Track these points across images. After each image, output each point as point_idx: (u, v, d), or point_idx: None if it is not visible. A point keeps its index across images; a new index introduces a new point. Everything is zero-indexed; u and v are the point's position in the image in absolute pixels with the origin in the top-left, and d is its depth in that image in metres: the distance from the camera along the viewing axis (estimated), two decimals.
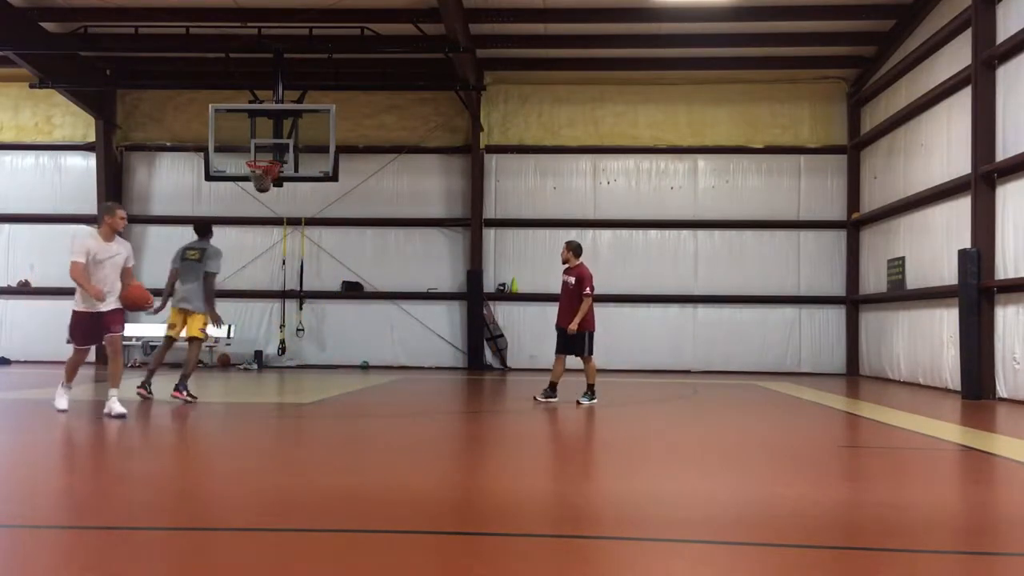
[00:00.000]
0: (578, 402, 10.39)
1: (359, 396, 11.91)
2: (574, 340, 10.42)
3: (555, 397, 10.56)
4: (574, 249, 10.77)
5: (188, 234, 19.27)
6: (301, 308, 19.30)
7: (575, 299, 10.46)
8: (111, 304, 8.60)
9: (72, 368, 8.81)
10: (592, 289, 10.54)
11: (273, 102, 16.01)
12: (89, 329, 8.54)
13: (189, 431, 8.37)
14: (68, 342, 8.88)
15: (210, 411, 10.29)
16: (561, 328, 10.55)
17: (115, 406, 8.37)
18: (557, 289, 18.51)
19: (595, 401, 10.48)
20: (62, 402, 8.72)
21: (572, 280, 10.55)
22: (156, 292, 20.00)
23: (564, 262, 10.72)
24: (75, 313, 8.60)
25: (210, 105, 15.65)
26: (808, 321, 18.82)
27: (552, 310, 18.68)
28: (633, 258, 18.97)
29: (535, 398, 10.73)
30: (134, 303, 8.98)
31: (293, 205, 19.11)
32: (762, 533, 4.15)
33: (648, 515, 4.59)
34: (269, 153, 15.65)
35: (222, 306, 19.01)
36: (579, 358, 10.53)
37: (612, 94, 19.07)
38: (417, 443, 7.44)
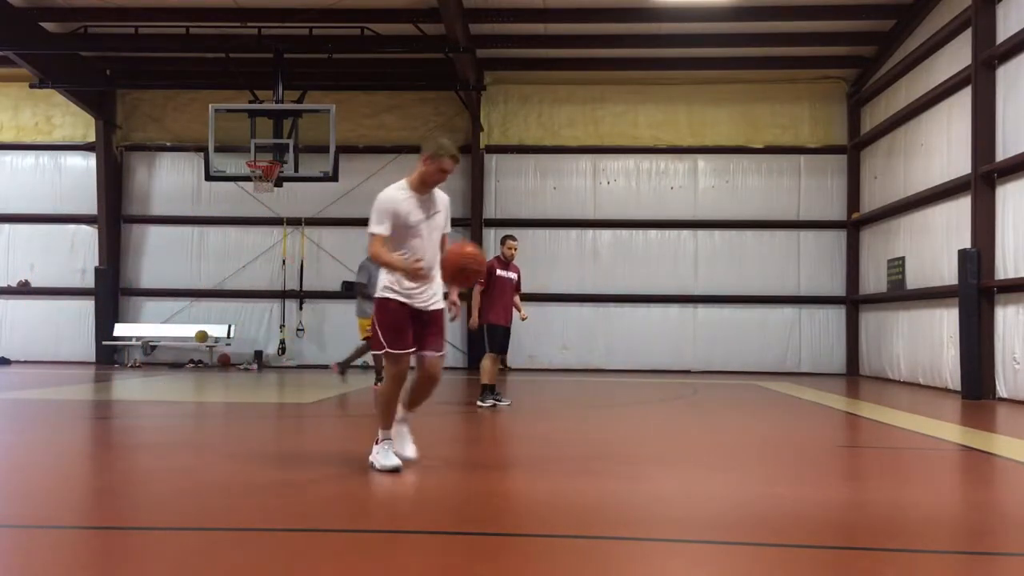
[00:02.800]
0: (495, 404, 9.92)
1: (359, 396, 11.90)
2: (508, 337, 10.09)
3: (505, 400, 10.22)
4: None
5: (187, 234, 19.50)
6: (301, 308, 19.30)
7: (513, 294, 10.11)
8: (435, 298, 5.66)
9: (390, 400, 5.63)
10: None
11: (273, 102, 16.02)
12: (404, 325, 5.52)
13: (189, 431, 8.37)
14: (372, 351, 5.79)
15: (210, 411, 10.29)
16: (507, 327, 10.00)
17: (382, 458, 5.54)
18: (557, 289, 18.85)
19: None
20: (409, 449, 5.78)
21: (515, 276, 10.17)
22: (152, 292, 20.05)
23: (511, 259, 10.13)
24: (383, 303, 5.55)
25: (210, 105, 15.67)
26: (808, 321, 18.82)
27: (552, 311, 19.01)
28: (633, 258, 18.97)
29: (479, 404, 9.96)
30: (462, 267, 5.62)
31: (293, 205, 19.11)
32: (762, 533, 4.15)
33: (648, 515, 4.59)
34: (269, 153, 15.66)
35: (222, 306, 19.32)
36: (501, 356, 10.10)
37: (612, 94, 19.07)
38: (417, 443, 7.43)
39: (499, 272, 9.95)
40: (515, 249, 10.17)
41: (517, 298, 10.26)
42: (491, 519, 4.45)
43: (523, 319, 10.47)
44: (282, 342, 19.11)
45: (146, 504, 4.75)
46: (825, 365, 18.67)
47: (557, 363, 18.87)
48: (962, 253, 12.65)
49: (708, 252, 18.92)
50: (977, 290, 12.39)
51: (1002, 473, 6.26)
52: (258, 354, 18.95)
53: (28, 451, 6.62)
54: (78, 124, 19.53)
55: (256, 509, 4.53)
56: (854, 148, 18.53)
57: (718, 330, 18.83)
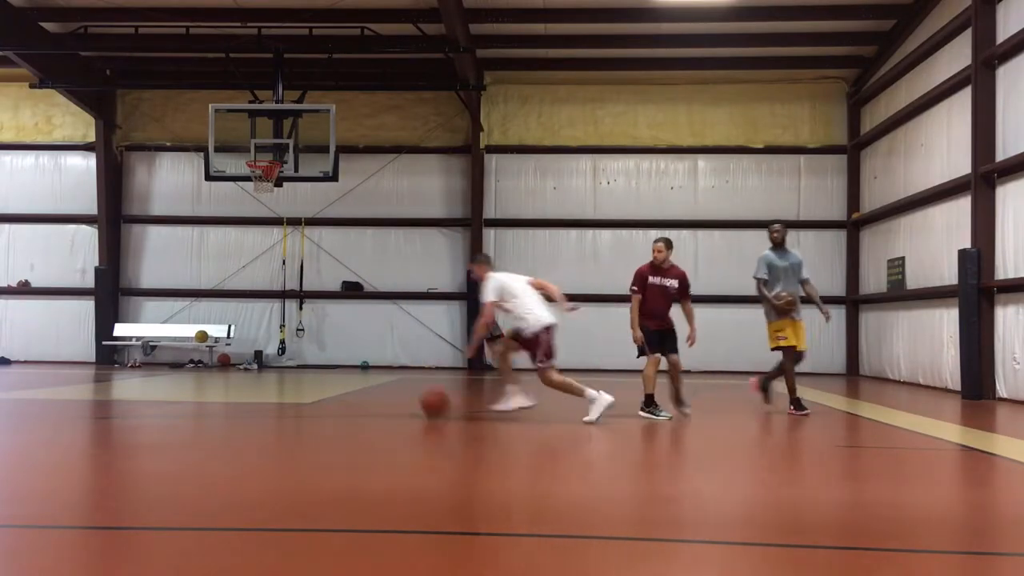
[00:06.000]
0: (653, 415, 9.11)
1: (359, 396, 11.91)
2: (667, 336, 9.27)
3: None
4: (670, 246, 9.46)
5: (187, 234, 19.51)
6: (301, 308, 19.30)
7: (670, 301, 9.31)
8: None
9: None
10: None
11: (273, 102, 16.01)
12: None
13: (189, 432, 8.37)
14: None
15: (210, 411, 10.30)
16: (661, 330, 9.28)
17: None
18: None
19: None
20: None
21: (674, 282, 9.31)
22: (152, 292, 20.01)
23: (661, 263, 9.33)
24: None
25: (210, 105, 15.65)
26: (808, 321, 18.66)
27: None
28: (633, 258, 18.71)
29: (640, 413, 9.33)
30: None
31: (293, 205, 19.11)
32: (762, 533, 4.15)
33: (648, 515, 4.59)
34: (269, 153, 15.66)
35: (222, 306, 19.32)
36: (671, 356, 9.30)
37: (612, 94, 19.07)
38: (417, 443, 7.44)
39: (651, 280, 9.25)
40: (661, 252, 9.27)
41: (688, 306, 9.38)
42: (491, 519, 4.45)
43: (689, 341, 9.23)
44: (282, 342, 19.11)
45: (146, 504, 4.74)
46: (825, 365, 18.63)
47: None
48: (962, 253, 12.65)
49: (708, 252, 18.91)
50: (977, 290, 12.39)
51: (1002, 473, 6.26)
52: (258, 354, 18.94)
53: (28, 451, 6.62)
54: (78, 124, 19.53)
55: (256, 509, 4.53)
56: (854, 148, 18.52)
57: (718, 330, 18.76)
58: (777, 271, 9.73)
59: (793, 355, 9.69)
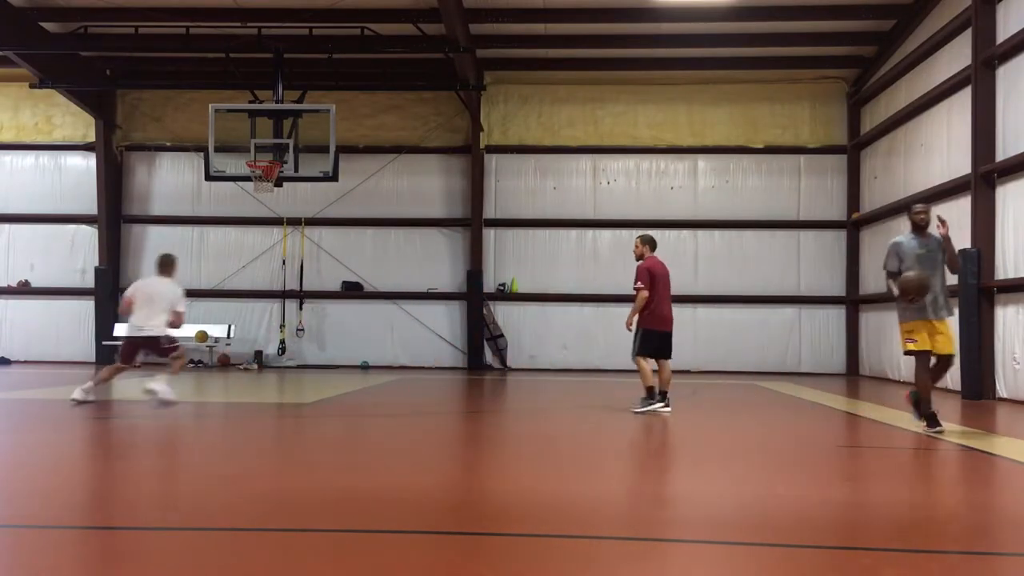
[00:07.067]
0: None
1: (359, 396, 11.91)
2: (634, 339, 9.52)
3: (660, 403, 9.49)
4: (648, 243, 9.76)
5: (187, 234, 19.49)
6: (301, 308, 19.30)
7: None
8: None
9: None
10: (647, 282, 9.46)
11: (273, 102, 16.01)
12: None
13: (190, 431, 8.36)
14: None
15: (210, 411, 10.30)
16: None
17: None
18: (556, 289, 18.91)
19: (654, 407, 9.30)
20: None
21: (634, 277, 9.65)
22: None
23: (639, 258, 9.76)
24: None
25: (210, 105, 15.65)
26: (808, 321, 18.81)
27: (551, 310, 19.01)
28: (632, 258, 18.87)
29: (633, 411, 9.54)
30: None
31: (293, 205, 19.11)
32: (762, 533, 4.15)
33: (648, 515, 4.59)
34: (269, 153, 15.65)
35: (221, 306, 19.30)
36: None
37: (612, 94, 19.07)
38: (417, 443, 7.44)
39: None
40: (636, 246, 9.78)
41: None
42: (491, 519, 4.45)
43: (626, 324, 9.66)
44: (282, 342, 19.11)
45: (145, 504, 4.74)
46: (825, 365, 18.66)
47: (558, 363, 18.88)
48: (962, 253, 12.64)
49: (708, 252, 18.92)
50: (977, 290, 12.39)
51: (1002, 473, 6.27)
52: (258, 354, 18.94)
53: (28, 451, 6.62)
54: (78, 124, 19.53)
55: (255, 509, 4.53)
56: (854, 148, 18.53)
57: (718, 330, 18.82)
58: (911, 259, 8.23)
59: (928, 362, 8.01)
